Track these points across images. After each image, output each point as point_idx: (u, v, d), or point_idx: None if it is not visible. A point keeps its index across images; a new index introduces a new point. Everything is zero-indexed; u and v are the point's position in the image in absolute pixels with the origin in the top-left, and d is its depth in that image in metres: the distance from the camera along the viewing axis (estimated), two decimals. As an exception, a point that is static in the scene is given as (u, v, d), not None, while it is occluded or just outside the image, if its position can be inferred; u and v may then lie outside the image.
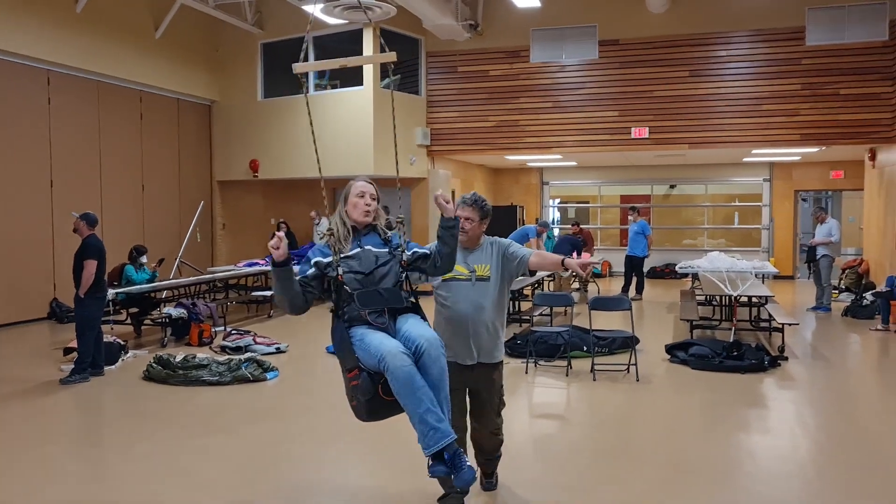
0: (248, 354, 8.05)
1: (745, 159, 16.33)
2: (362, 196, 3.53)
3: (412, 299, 3.52)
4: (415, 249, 3.53)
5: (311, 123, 4.06)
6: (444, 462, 3.10)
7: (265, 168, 14.31)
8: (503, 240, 3.97)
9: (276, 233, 3.35)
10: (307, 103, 3.94)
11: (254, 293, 11.78)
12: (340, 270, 3.40)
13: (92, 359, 7.25)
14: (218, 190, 15.04)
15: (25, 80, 10.83)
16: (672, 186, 19.30)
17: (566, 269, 3.85)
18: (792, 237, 17.46)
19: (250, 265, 12.29)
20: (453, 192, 15.78)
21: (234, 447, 5.27)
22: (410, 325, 3.36)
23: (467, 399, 3.91)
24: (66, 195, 11.33)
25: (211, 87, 14.51)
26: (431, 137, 14.56)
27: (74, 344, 7.73)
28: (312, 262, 3.47)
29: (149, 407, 6.37)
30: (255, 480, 4.57)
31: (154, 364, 7.26)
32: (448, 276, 3.72)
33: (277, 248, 3.30)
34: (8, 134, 10.53)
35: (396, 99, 13.90)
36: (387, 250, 3.49)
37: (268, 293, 11.66)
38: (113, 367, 7.74)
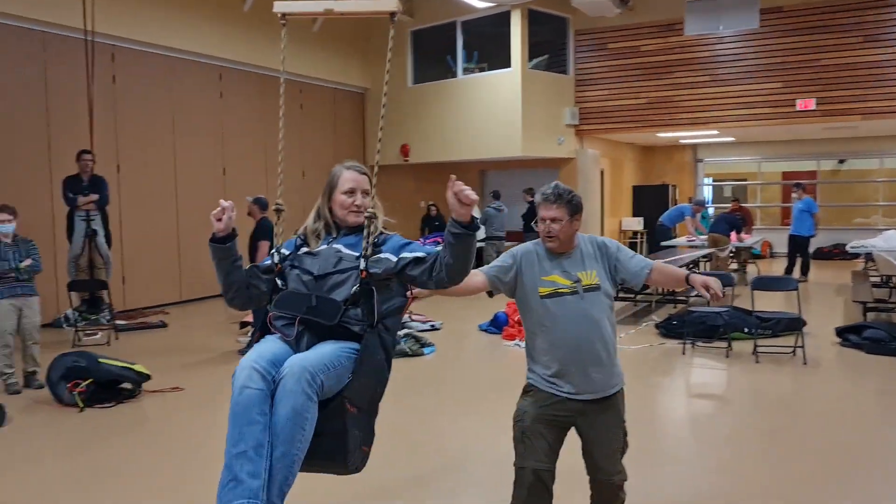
0: (405, 331, 8.37)
1: (927, 130, 15.00)
2: (352, 193, 2.77)
3: (366, 327, 2.54)
4: (404, 255, 2.62)
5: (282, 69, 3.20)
6: None
7: (415, 152, 14.70)
8: (606, 240, 3.14)
9: (222, 201, 2.63)
10: (283, 57, 3.20)
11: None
12: (278, 258, 2.73)
13: (266, 332, 7.81)
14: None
15: (200, 76, 11.70)
16: (841, 161, 18.05)
17: (690, 286, 3.08)
18: (981, 214, 15.91)
19: (404, 246, 12.70)
20: (603, 172, 15.56)
21: (397, 416, 5.53)
22: (313, 349, 2.48)
23: (572, 438, 3.07)
24: (237, 182, 12.17)
25: (364, 76, 15.05)
26: (580, 117, 14.40)
27: (250, 318, 8.36)
28: (274, 251, 2.77)
29: (318, 377, 6.80)
30: (418, 449, 4.80)
31: (320, 338, 7.72)
32: (546, 290, 2.96)
33: (219, 220, 2.61)
34: (186, 126, 11.43)
35: (544, 79, 13.87)
36: (357, 254, 2.64)
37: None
38: (283, 340, 8.31)
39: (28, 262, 6.38)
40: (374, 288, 2.56)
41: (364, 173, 2.79)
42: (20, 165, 9.17)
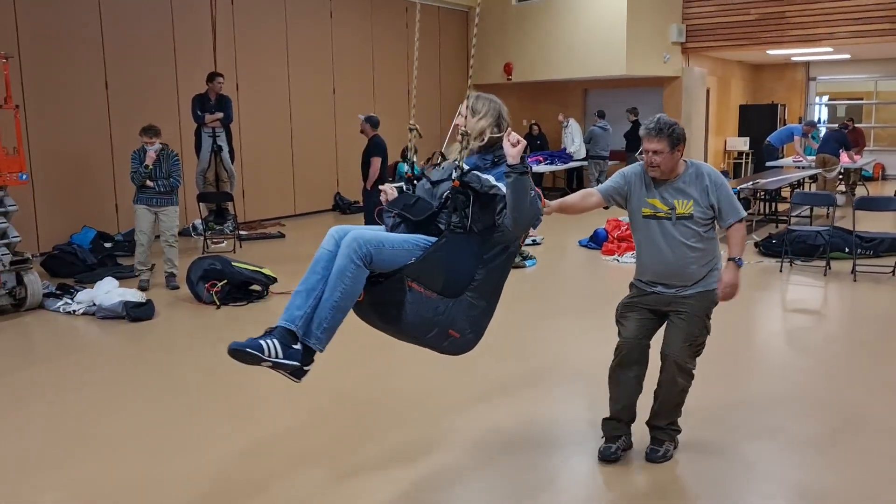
0: (506, 244, 8.76)
1: None
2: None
3: (455, 228, 2.81)
4: (501, 186, 2.81)
5: None
6: (267, 335, 2.75)
7: (518, 71, 14.76)
8: (710, 172, 3.37)
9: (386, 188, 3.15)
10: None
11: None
12: (406, 168, 3.16)
13: (378, 242, 8.35)
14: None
15: (311, -5, 12.11)
16: (969, 79, 16.99)
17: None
18: None
19: (505, 165, 13.01)
20: (709, 91, 15.25)
21: (506, 319, 5.96)
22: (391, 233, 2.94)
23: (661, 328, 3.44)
24: (346, 101, 12.67)
25: (468, -6, 15.09)
26: (687, 34, 14.08)
27: (361, 230, 8.92)
28: (405, 162, 3.29)
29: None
30: (528, 346, 5.26)
31: (427, 249, 8.23)
32: (647, 212, 3.36)
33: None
34: (298, 46, 11.92)
35: (651, -5, 13.54)
36: (466, 167, 2.89)
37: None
38: (392, 251, 8.84)
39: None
40: (471, 197, 2.82)
41: (469, 97, 3.02)
42: (150, 86, 9.87)
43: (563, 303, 6.58)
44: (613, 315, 3.47)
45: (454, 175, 2.84)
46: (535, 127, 14.71)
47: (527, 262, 7.95)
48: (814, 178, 11.77)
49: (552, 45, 14.13)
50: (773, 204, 10.43)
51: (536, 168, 13.32)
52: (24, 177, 6.82)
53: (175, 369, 4.99)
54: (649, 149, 3.27)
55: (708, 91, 15.32)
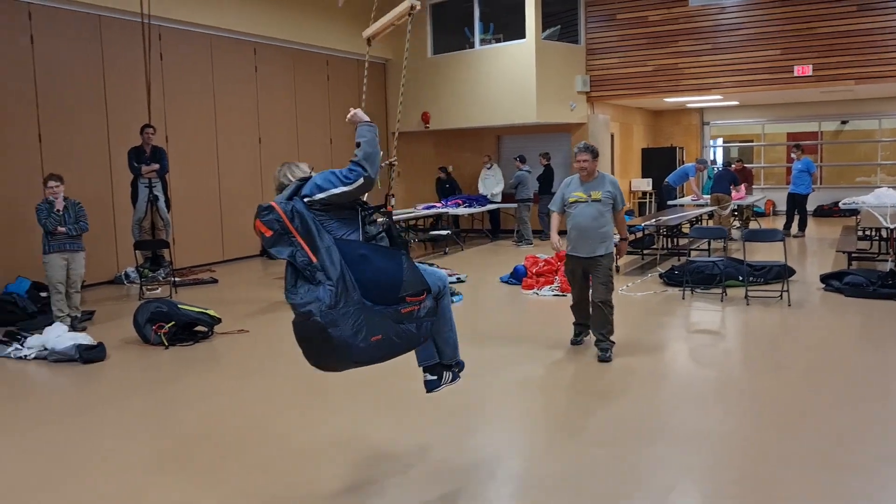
0: (435, 282, 9.31)
1: (922, 92, 15.70)
2: None
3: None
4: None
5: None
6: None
7: (435, 119, 15.53)
8: (614, 180, 5.99)
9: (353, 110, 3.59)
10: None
11: (432, 232, 13.13)
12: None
13: (312, 284, 8.77)
14: (394, 140, 16.41)
15: (236, 52, 12.55)
16: (844, 122, 18.76)
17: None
18: (975, 171, 16.65)
19: (428, 208, 13.64)
20: (613, 136, 16.38)
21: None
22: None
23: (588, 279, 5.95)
24: (273, 150, 13.09)
25: (385, 48, 15.81)
26: (591, 84, 15.17)
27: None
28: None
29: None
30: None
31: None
32: (572, 199, 5.86)
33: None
34: (224, 99, 12.33)
35: (556, 49, 14.58)
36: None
37: (444, 232, 12.97)
38: (326, 292, 9.25)
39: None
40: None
41: None
42: (81, 137, 10.09)
43: (489, 332, 7.15)
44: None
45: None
46: (443, 171, 15.41)
47: (454, 298, 8.53)
48: (710, 214, 12.85)
49: (467, 95, 14.98)
50: (675, 239, 11.37)
51: (454, 211, 13.96)
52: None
53: (135, 409, 5.28)
54: (581, 159, 5.82)
55: (612, 136, 16.45)
